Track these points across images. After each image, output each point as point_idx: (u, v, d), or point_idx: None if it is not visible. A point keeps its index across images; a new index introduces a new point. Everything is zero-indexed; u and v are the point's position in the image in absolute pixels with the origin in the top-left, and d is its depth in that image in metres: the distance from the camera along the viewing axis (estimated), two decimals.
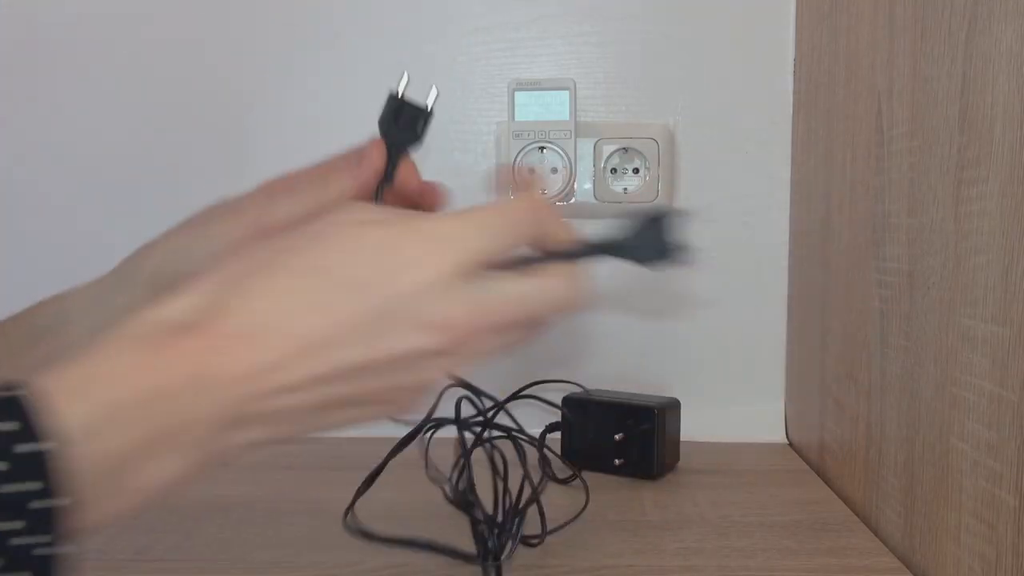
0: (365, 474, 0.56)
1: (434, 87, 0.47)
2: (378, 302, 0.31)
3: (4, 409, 0.26)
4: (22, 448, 0.25)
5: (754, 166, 0.84)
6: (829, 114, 0.73)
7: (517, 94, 0.79)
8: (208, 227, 0.42)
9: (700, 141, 0.84)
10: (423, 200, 0.47)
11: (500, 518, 0.54)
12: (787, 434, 0.86)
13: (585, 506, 0.63)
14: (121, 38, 0.84)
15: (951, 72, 0.50)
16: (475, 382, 0.70)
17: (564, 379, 0.78)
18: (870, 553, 0.57)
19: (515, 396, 0.75)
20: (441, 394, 0.55)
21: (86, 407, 0.27)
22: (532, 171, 0.80)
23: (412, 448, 0.58)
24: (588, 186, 0.82)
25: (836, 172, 0.71)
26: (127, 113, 0.85)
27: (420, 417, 0.57)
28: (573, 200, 0.83)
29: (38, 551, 0.26)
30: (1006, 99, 0.44)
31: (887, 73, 0.60)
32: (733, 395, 0.86)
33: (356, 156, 0.45)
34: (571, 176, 0.79)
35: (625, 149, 0.82)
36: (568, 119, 0.79)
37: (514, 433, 0.60)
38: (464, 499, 0.54)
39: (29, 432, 0.25)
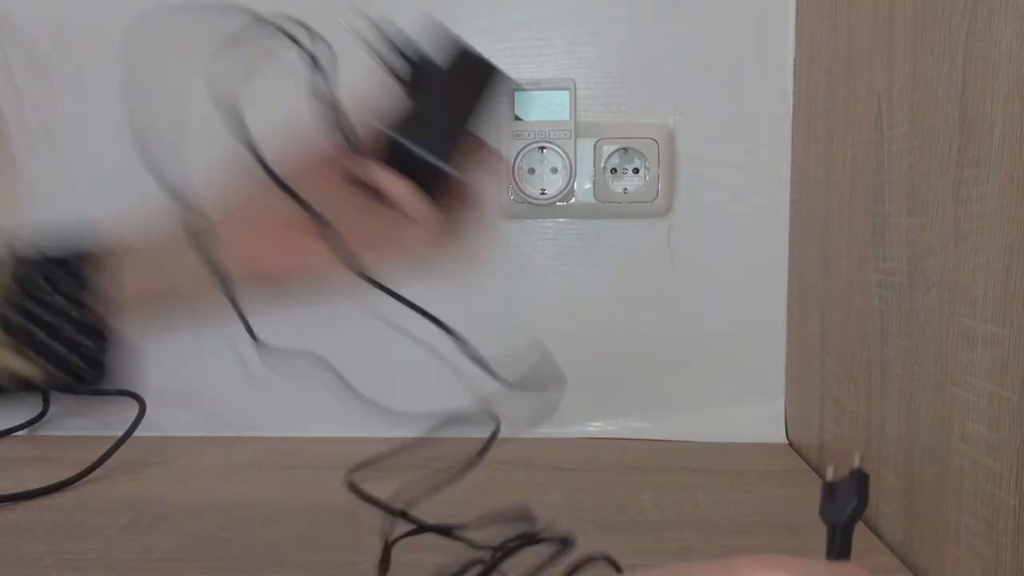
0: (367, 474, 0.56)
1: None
2: None
3: None
4: None
5: (754, 166, 0.84)
6: (829, 114, 0.73)
7: (517, 94, 0.79)
8: None
9: (700, 141, 0.84)
10: None
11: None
12: (787, 434, 0.86)
13: None
14: None
15: (951, 72, 0.50)
16: None
17: None
18: (870, 553, 0.57)
19: None
20: None
21: None
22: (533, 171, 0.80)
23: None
24: (588, 186, 0.82)
25: (836, 172, 0.71)
26: None
27: None
28: (573, 200, 0.83)
29: None
30: (1006, 99, 0.44)
31: (887, 73, 0.60)
32: (733, 395, 0.86)
33: None
34: (571, 176, 0.79)
35: (625, 149, 0.82)
36: (568, 119, 0.79)
37: None
38: None
39: None
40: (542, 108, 0.79)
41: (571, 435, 0.85)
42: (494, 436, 0.53)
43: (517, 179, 0.80)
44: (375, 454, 0.51)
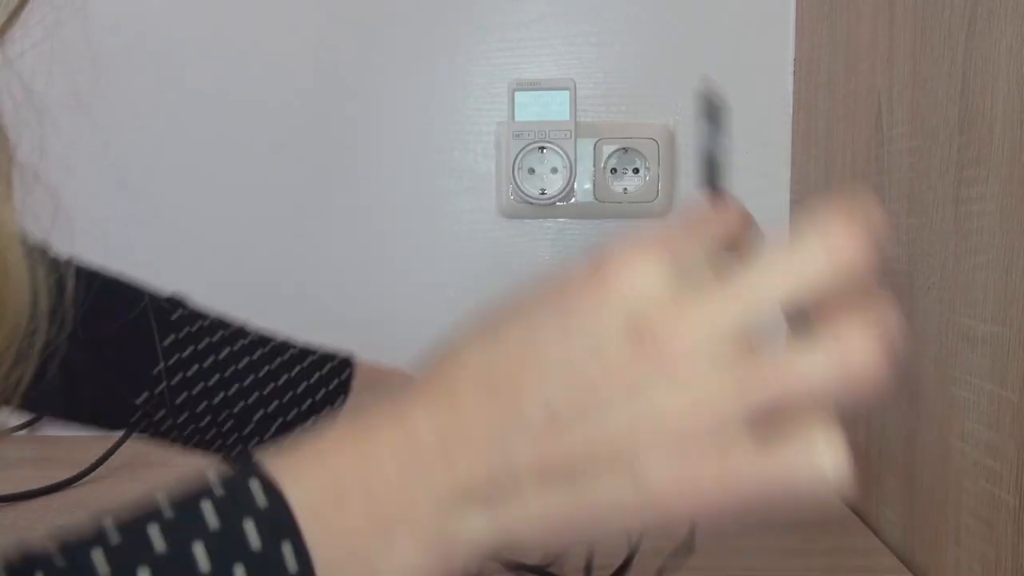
0: None
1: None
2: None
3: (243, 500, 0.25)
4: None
5: (754, 166, 0.84)
6: (829, 114, 0.73)
7: (517, 94, 0.79)
8: None
9: None
10: None
11: None
12: None
13: None
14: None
15: (951, 72, 0.50)
16: None
17: None
18: (870, 553, 0.57)
19: None
20: None
21: (311, 485, 0.26)
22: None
23: None
24: (588, 186, 0.82)
25: (836, 172, 0.71)
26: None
27: None
28: (573, 200, 0.83)
29: None
30: (1006, 99, 0.44)
31: (887, 73, 0.60)
32: None
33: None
34: (571, 176, 0.79)
35: (625, 149, 0.82)
36: (568, 119, 0.79)
37: None
38: None
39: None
40: (542, 108, 0.79)
41: None
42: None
43: (517, 179, 0.80)
44: None
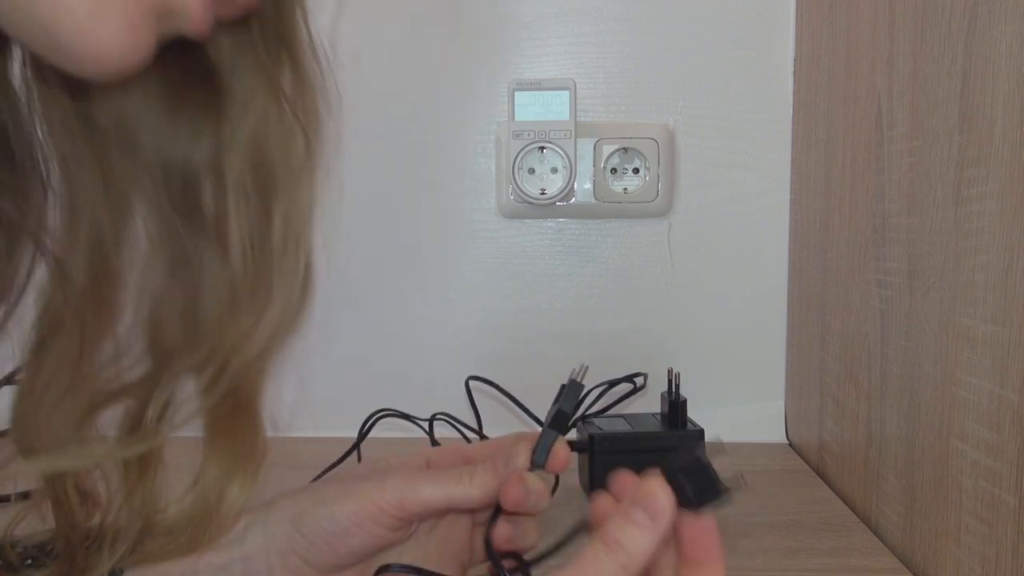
0: None
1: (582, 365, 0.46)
2: None
3: None
4: None
5: (754, 166, 0.84)
6: (829, 114, 0.73)
7: (517, 94, 0.79)
8: (353, 486, 0.43)
9: (700, 141, 0.84)
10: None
11: None
12: (787, 434, 0.85)
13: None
14: None
15: (951, 72, 0.50)
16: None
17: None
18: (870, 553, 0.57)
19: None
20: None
21: None
22: None
23: None
24: (588, 186, 0.82)
25: (836, 172, 0.71)
26: None
27: None
28: (573, 200, 0.83)
29: None
30: (1006, 99, 0.44)
31: (887, 73, 0.60)
32: (733, 395, 0.86)
33: (503, 454, 0.43)
34: (571, 176, 0.79)
35: (625, 149, 0.82)
36: (568, 119, 0.79)
37: None
38: None
39: None
40: (542, 108, 0.79)
41: (571, 435, 0.85)
42: None
43: (517, 179, 0.80)
44: None
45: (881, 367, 0.61)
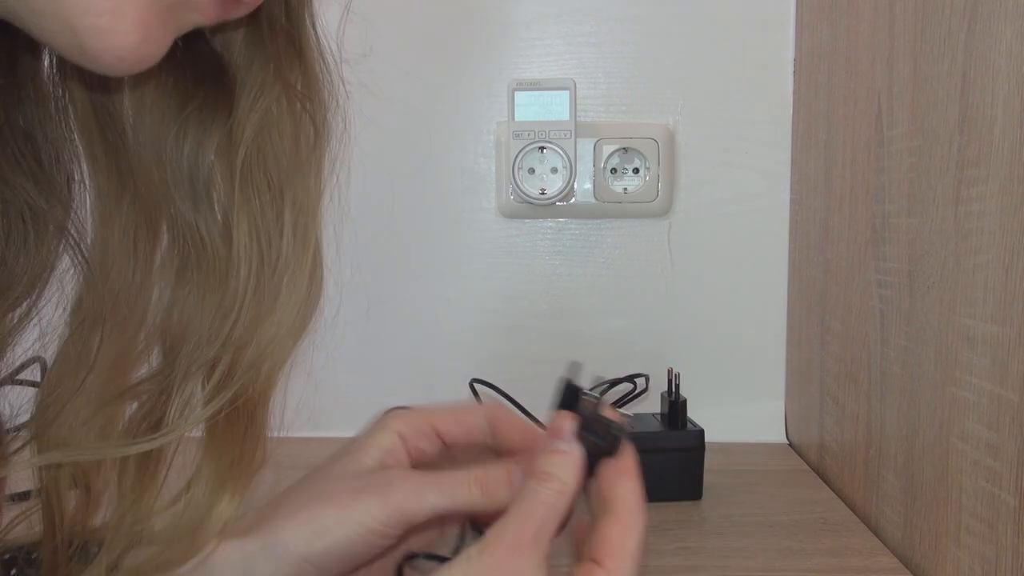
0: None
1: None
2: None
3: None
4: None
5: (754, 166, 0.84)
6: (829, 114, 0.73)
7: (517, 94, 0.79)
8: (353, 506, 0.41)
9: (700, 141, 0.84)
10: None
11: None
12: (787, 434, 0.86)
13: None
14: None
15: (951, 72, 0.50)
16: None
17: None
18: (870, 553, 0.57)
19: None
20: None
21: None
22: None
23: None
24: (588, 186, 0.82)
25: (836, 172, 0.71)
26: None
27: None
28: (573, 200, 0.83)
29: None
30: (1006, 99, 0.44)
31: (887, 73, 0.60)
32: (733, 395, 0.86)
33: (517, 468, 0.42)
34: (571, 176, 0.79)
35: (625, 149, 0.82)
36: (568, 119, 0.79)
37: None
38: None
39: None
40: (542, 108, 0.79)
41: None
42: None
43: (517, 179, 0.80)
44: None
45: (881, 367, 0.61)
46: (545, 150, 0.80)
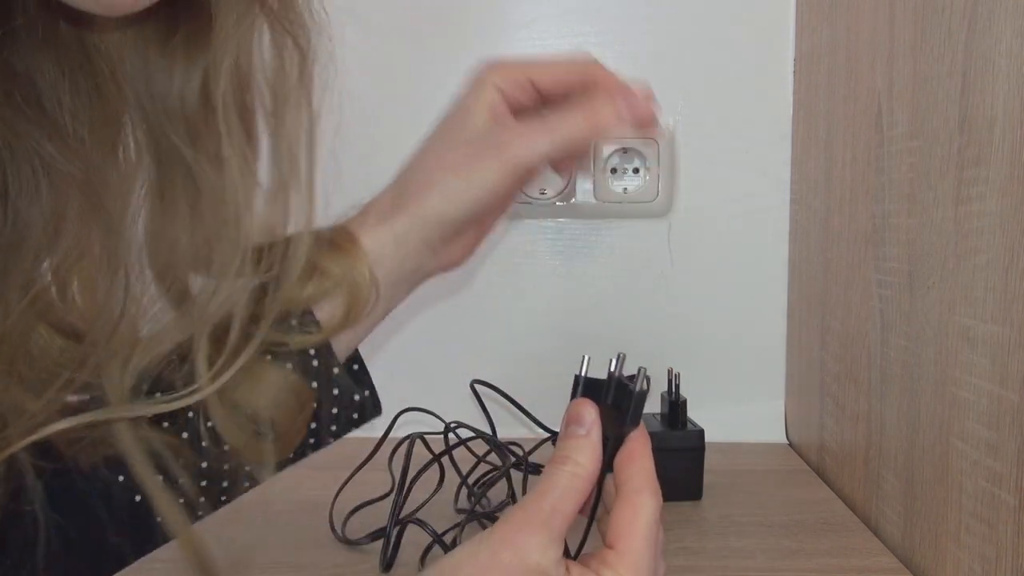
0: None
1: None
2: None
3: None
4: None
5: (754, 166, 0.84)
6: (829, 114, 0.73)
7: None
8: (475, 170, 0.46)
9: (700, 141, 0.84)
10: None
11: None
12: (787, 434, 0.85)
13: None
14: None
15: (951, 72, 0.50)
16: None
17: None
18: (870, 553, 0.57)
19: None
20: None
21: None
22: None
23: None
24: (588, 186, 0.82)
25: (836, 172, 0.71)
26: None
27: None
28: (573, 200, 0.83)
29: None
30: (1006, 99, 0.44)
31: (887, 73, 0.60)
32: (733, 395, 0.86)
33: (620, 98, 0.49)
34: (571, 176, 0.79)
35: (625, 149, 0.82)
36: None
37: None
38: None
39: None
40: None
41: None
42: None
43: None
44: None
45: (881, 367, 0.61)
46: None
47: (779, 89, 0.83)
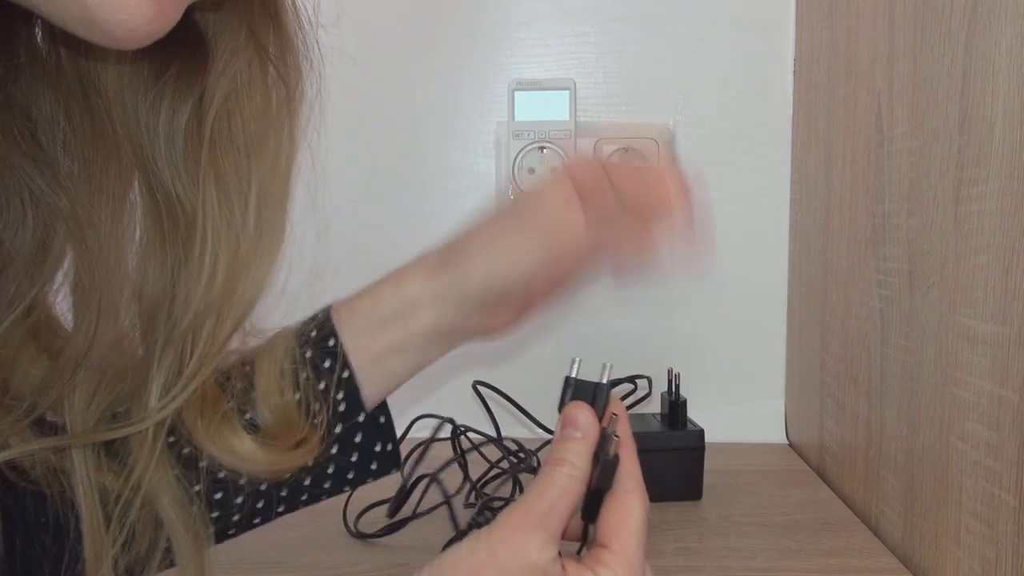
0: None
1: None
2: None
3: None
4: None
5: (754, 166, 0.84)
6: (829, 114, 0.73)
7: (517, 94, 0.79)
8: (519, 243, 0.46)
9: (700, 141, 0.84)
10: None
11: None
12: (787, 434, 0.85)
13: None
14: None
15: (951, 72, 0.50)
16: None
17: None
18: (870, 553, 0.57)
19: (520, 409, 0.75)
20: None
21: None
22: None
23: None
24: None
25: (836, 172, 0.71)
26: None
27: None
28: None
29: None
30: (1006, 99, 0.44)
31: (887, 73, 0.60)
32: (733, 395, 0.86)
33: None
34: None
35: (625, 149, 0.82)
36: (568, 119, 0.79)
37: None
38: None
39: None
40: (542, 108, 0.79)
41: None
42: None
43: (517, 179, 0.80)
44: None
45: (881, 367, 0.61)
46: (545, 150, 0.80)
47: (779, 89, 0.83)
